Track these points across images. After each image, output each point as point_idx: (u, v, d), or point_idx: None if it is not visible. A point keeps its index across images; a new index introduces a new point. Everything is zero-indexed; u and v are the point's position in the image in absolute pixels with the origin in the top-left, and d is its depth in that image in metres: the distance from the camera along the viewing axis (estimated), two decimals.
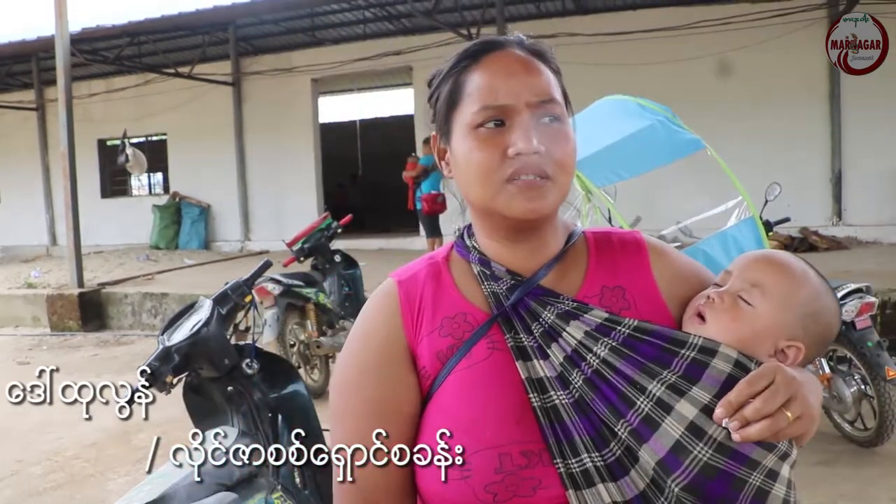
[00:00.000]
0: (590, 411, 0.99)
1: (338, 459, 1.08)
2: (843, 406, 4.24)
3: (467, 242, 1.16)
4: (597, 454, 0.97)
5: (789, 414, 0.94)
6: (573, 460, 0.97)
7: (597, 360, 1.02)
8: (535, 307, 1.07)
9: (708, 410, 0.96)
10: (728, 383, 0.97)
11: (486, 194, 1.05)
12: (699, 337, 1.03)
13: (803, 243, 10.30)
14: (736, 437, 0.93)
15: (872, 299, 4.18)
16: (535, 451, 0.98)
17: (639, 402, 0.98)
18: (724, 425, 0.94)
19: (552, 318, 1.06)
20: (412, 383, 1.08)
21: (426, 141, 11.24)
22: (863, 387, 4.19)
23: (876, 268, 7.87)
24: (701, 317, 1.08)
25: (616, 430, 0.97)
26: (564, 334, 1.04)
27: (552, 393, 1.01)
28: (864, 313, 4.11)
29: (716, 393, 0.97)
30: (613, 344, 1.03)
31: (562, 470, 0.96)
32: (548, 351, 1.04)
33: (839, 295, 4.15)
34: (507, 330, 1.06)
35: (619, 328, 1.04)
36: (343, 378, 1.13)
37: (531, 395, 1.01)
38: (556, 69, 1.15)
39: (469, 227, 1.18)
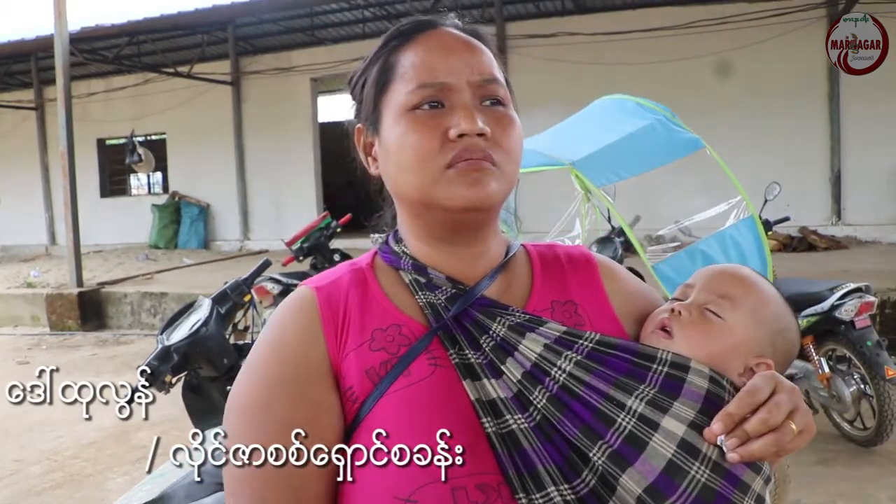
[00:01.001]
0: (555, 435, 0.85)
1: (241, 500, 0.88)
2: (843, 405, 4.24)
3: (395, 248, 1.02)
4: (566, 486, 0.83)
5: (794, 426, 0.85)
6: (538, 495, 0.82)
7: (563, 375, 0.88)
8: (483, 318, 0.93)
9: (696, 427, 0.85)
10: (709, 400, 0.87)
11: (424, 182, 0.91)
12: (667, 352, 0.93)
13: (802, 243, 10.30)
14: (733, 456, 0.83)
15: (872, 299, 4.19)
16: (493, 484, 0.82)
17: (619, 420, 0.85)
18: (719, 443, 0.83)
19: (503, 330, 0.92)
20: (334, 406, 0.90)
21: None
22: (862, 386, 4.20)
23: (875, 267, 7.88)
24: (665, 331, 0.99)
25: (590, 455, 0.83)
26: (521, 347, 0.91)
27: (508, 417, 0.86)
28: (864, 313, 4.11)
29: (699, 409, 0.86)
30: (578, 358, 0.90)
31: None
32: (501, 368, 0.90)
33: (838, 294, 4.16)
34: (451, 345, 0.91)
35: (580, 342, 0.92)
36: (248, 397, 0.91)
37: (484, 420, 0.86)
38: (498, 56, 1.01)
39: (395, 232, 1.04)
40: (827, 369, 4.25)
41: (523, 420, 0.86)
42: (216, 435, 2.26)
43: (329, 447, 0.86)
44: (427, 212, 0.95)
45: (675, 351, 0.94)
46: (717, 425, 0.84)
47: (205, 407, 2.47)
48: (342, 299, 0.96)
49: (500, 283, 1.00)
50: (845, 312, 4.10)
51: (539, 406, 0.87)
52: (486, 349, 0.91)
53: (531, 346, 0.91)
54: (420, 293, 0.97)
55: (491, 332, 0.93)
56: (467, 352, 0.91)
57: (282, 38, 14.70)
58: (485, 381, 0.89)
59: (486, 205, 0.92)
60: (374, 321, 0.94)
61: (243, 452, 0.87)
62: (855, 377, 4.23)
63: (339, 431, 0.89)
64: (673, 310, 1.01)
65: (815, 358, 4.26)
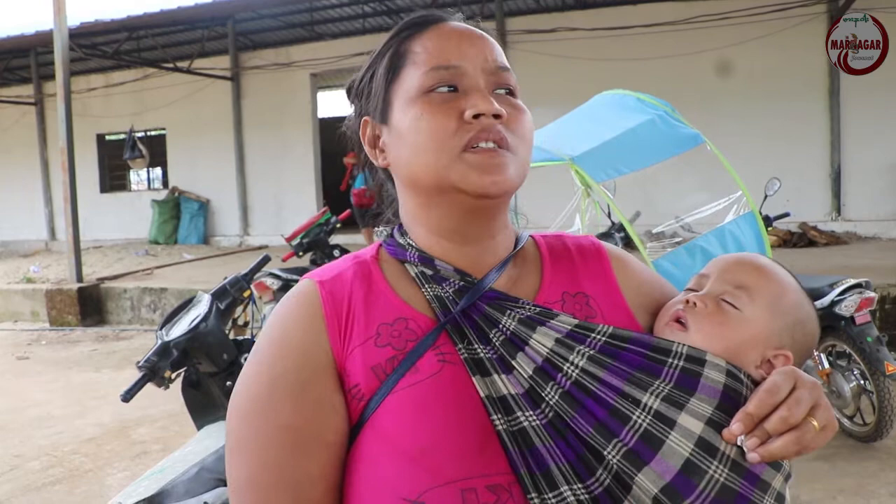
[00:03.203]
0: (568, 433, 0.82)
1: (242, 502, 0.86)
2: (843, 401, 4.25)
3: (401, 241, 0.99)
4: (580, 485, 0.80)
5: (815, 423, 0.81)
6: (550, 494, 0.79)
7: (575, 370, 0.85)
8: (492, 312, 0.91)
9: (713, 424, 0.82)
10: (726, 396, 0.84)
11: (440, 164, 0.89)
12: (683, 345, 0.90)
13: (802, 238, 10.30)
14: (753, 456, 0.79)
15: (872, 294, 4.18)
16: (504, 484, 0.80)
17: (634, 417, 0.82)
18: (739, 443, 0.80)
19: (514, 323, 0.90)
20: (338, 405, 0.87)
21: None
22: (862, 382, 4.20)
23: (875, 263, 7.87)
24: (679, 323, 0.96)
25: (605, 453, 0.80)
26: (532, 342, 0.88)
27: (519, 414, 0.83)
28: (864, 308, 4.11)
29: (716, 405, 0.83)
30: (591, 352, 0.87)
31: None
32: (512, 363, 0.87)
33: (838, 290, 4.16)
34: (459, 339, 0.89)
35: (593, 335, 0.89)
36: (250, 397, 0.89)
37: (494, 417, 0.83)
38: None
39: (400, 225, 1.02)
40: (827, 365, 4.25)
41: (535, 417, 0.83)
42: (215, 430, 2.25)
43: (332, 448, 0.85)
44: (440, 198, 0.93)
45: (690, 343, 0.91)
46: (736, 426, 0.80)
47: (204, 402, 2.47)
48: (346, 293, 0.93)
49: (509, 275, 0.98)
50: (845, 308, 4.10)
51: (551, 403, 0.84)
52: (496, 343, 0.89)
53: (542, 341, 0.88)
54: (427, 286, 0.94)
55: (501, 325, 0.90)
56: (476, 346, 0.88)
57: (281, 34, 14.68)
58: (495, 376, 0.86)
59: (502, 191, 0.89)
60: (379, 315, 0.91)
61: (245, 456, 0.86)
62: (855, 373, 4.23)
63: (343, 432, 0.87)
64: (688, 301, 0.98)
65: (815, 354, 4.26)
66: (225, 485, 1.93)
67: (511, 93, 0.95)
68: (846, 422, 4.37)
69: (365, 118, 1.00)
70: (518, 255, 1.01)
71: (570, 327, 0.90)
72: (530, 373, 0.86)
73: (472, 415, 0.84)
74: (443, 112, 0.89)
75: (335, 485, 0.85)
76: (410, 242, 0.98)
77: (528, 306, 0.92)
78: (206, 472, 1.92)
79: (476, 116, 0.88)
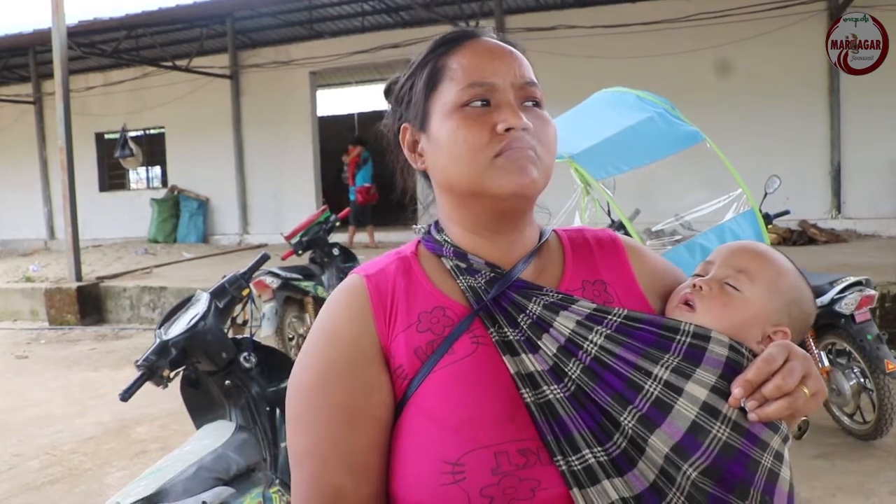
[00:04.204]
0: (588, 403, 0.94)
1: (299, 471, 0.98)
2: (842, 399, 4.25)
3: (437, 237, 1.10)
4: (599, 448, 0.91)
5: (807, 390, 0.93)
6: (574, 457, 0.90)
7: (594, 348, 0.97)
8: (519, 299, 1.02)
9: (717, 391, 0.93)
10: (728, 367, 0.96)
11: (474, 172, 1.00)
12: (690, 324, 1.01)
13: (802, 236, 10.30)
14: (753, 416, 0.92)
15: (872, 292, 4.18)
16: (533, 448, 0.91)
17: (647, 386, 0.94)
18: (743, 404, 0.92)
19: (539, 309, 1.01)
20: (385, 385, 0.99)
21: (358, 141, 12.97)
22: (862, 380, 4.19)
23: (875, 261, 7.87)
24: (688, 305, 1.07)
25: (620, 419, 0.92)
26: (556, 324, 1.00)
27: (545, 388, 0.95)
28: (864, 306, 4.11)
29: (720, 374, 0.95)
30: (608, 332, 0.99)
31: (563, 468, 0.89)
32: (538, 343, 0.98)
33: (838, 288, 4.15)
34: (491, 324, 1.00)
35: (609, 317, 1.01)
36: (305, 381, 1.02)
37: (523, 391, 0.94)
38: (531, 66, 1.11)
39: (436, 223, 1.13)
40: (827, 363, 4.25)
41: (559, 390, 0.95)
42: (214, 429, 2.25)
43: (380, 422, 0.97)
44: (474, 200, 1.03)
45: (697, 323, 1.01)
46: (737, 390, 0.92)
47: (203, 401, 2.47)
48: (390, 286, 1.05)
49: (534, 266, 1.09)
50: (845, 306, 4.10)
51: (573, 377, 0.95)
52: (524, 327, 1.00)
53: (565, 323, 1.00)
54: (461, 277, 1.06)
55: (528, 311, 1.01)
56: (506, 330, 1.00)
57: (280, 32, 14.68)
58: (523, 356, 0.97)
59: (530, 191, 1.00)
60: (419, 304, 1.03)
61: (303, 430, 0.99)
62: (855, 371, 4.23)
63: (389, 407, 0.98)
64: (695, 285, 1.08)
65: (815, 351, 4.25)
66: (224, 484, 1.93)
67: (538, 104, 1.05)
68: (846, 420, 4.37)
69: (405, 125, 1.11)
70: (542, 248, 1.12)
71: (589, 310, 1.01)
72: (554, 351, 0.98)
73: (504, 389, 0.95)
74: (477, 125, 1.00)
75: (384, 453, 0.97)
76: (447, 239, 1.09)
77: (551, 293, 1.03)
78: (204, 472, 1.92)
79: (507, 130, 0.98)
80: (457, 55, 1.05)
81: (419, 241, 1.14)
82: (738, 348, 0.99)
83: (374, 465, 0.96)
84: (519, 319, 1.01)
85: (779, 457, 0.94)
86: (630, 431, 0.91)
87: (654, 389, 0.93)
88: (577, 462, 0.90)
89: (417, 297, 1.04)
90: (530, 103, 1.04)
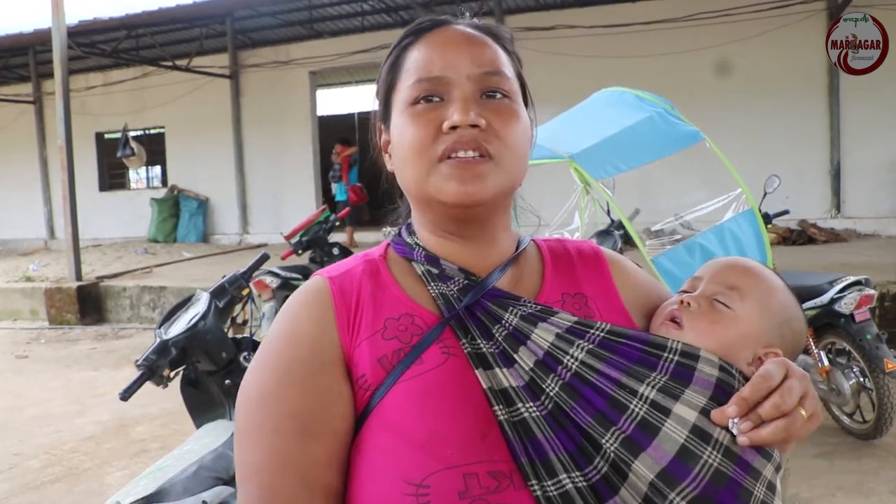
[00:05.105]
0: (567, 423, 0.86)
1: (248, 487, 0.87)
2: (842, 398, 4.24)
3: (408, 240, 1.04)
4: (578, 473, 0.83)
5: (804, 412, 0.86)
6: (549, 482, 0.82)
7: (575, 363, 0.89)
8: (495, 309, 0.95)
9: (707, 414, 0.86)
10: (719, 388, 0.89)
11: (418, 175, 0.93)
12: (677, 342, 0.94)
13: (802, 235, 10.30)
14: (743, 440, 0.84)
15: (871, 292, 4.18)
16: (505, 471, 0.83)
17: (632, 406, 0.86)
18: (730, 426, 0.85)
19: (516, 320, 0.94)
20: (345, 394, 0.90)
21: (345, 141, 13.04)
22: (861, 379, 4.20)
23: (874, 260, 7.87)
24: (675, 322, 1.01)
25: (602, 442, 0.84)
26: (534, 336, 0.92)
27: (520, 405, 0.87)
28: (863, 306, 4.11)
29: (710, 396, 0.88)
30: (590, 346, 0.91)
31: (538, 493, 0.81)
32: (514, 356, 0.91)
33: (838, 288, 4.16)
34: (463, 335, 0.92)
35: (592, 331, 0.93)
36: (259, 386, 0.92)
37: (496, 408, 0.86)
38: (514, 53, 1.03)
39: (409, 224, 1.07)
40: (826, 362, 4.25)
41: (535, 408, 0.87)
42: (214, 428, 2.25)
43: (338, 436, 0.88)
44: (427, 205, 0.97)
45: (684, 341, 0.95)
46: (731, 408, 0.85)
47: (203, 401, 2.47)
48: (355, 289, 0.97)
49: (511, 276, 1.02)
50: (845, 305, 4.10)
51: (552, 394, 0.88)
52: (499, 339, 0.92)
53: (544, 335, 0.92)
54: (432, 284, 0.98)
55: (503, 321, 0.94)
56: (479, 342, 0.92)
57: (280, 32, 14.67)
58: (497, 370, 0.90)
59: (477, 200, 0.92)
60: (386, 311, 0.95)
61: (254, 441, 0.88)
62: (854, 370, 4.23)
63: (349, 420, 0.90)
64: (682, 301, 1.03)
65: (815, 351, 4.26)
66: (224, 483, 1.93)
67: (504, 94, 0.96)
68: (846, 419, 4.37)
69: (379, 123, 1.05)
70: (521, 256, 1.05)
71: (570, 323, 0.94)
72: (531, 365, 0.90)
73: (475, 405, 0.87)
74: (423, 124, 0.93)
75: (341, 470, 0.88)
76: (418, 242, 1.02)
77: (529, 304, 0.96)
78: (204, 471, 1.91)
79: (452, 128, 0.91)
80: (414, 48, 0.98)
81: (388, 244, 1.07)
82: (728, 369, 0.92)
83: (331, 484, 0.87)
84: (494, 330, 0.93)
85: (771, 487, 0.87)
86: (612, 455, 0.83)
87: (640, 410, 0.86)
88: (552, 488, 0.82)
89: (384, 302, 0.96)
90: (497, 95, 0.95)
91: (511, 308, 0.95)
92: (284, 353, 0.93)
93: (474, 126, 0.91)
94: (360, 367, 0.91)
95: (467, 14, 1.05)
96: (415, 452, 0.83)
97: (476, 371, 0.89)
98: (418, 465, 0.83)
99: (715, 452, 0.83)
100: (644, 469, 0.82)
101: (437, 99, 0.94)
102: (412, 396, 0.87)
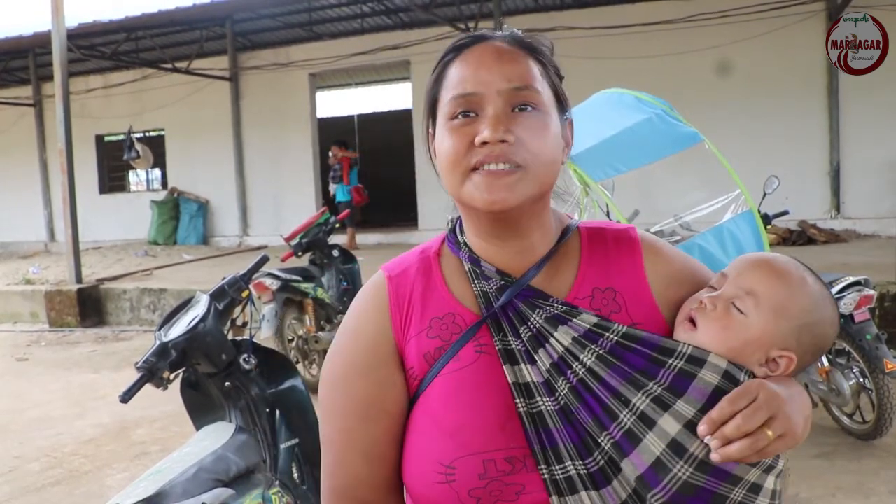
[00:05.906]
0: (574, 419, 0.99)
1: (325, 455, 1.12)
2: (842, 399, 4.24)
3: (458, 238, 1.15)
4: (580, 462, 0.97)
5: (770, 433, 0.92)
6: (557, 467, 0.97)
7: (582, 370, 1.01)
8: (524, 309, 1.06)
9: (691, 426, 0.94)
10: (714, 396, 0.96)
11: (454, 184, 1.04)
12: (688, 346, 1.01)
13: (802, 236, 10.30)
14: (715, 456, 0.92)
15: (871, 292, 4.18)
16: (520, 456, 0.98)
17: (622, 416, 0.97)
18: (706, 442, 0.93)
19: (540, 321, 1.05)
20: (399, 383, 1.08)
21: (338, 143, 13.07)
22: (861, 380, 4.19)
23: (874, 260, 7.86)
24: (692, 322, 1.05)
25: (599, 440, 0.97)
26: (552, 340, 1.03)
27: (538, 399, 1.00)
28: (863, 306, 4.10)
29: (700, 407, 0.95)
30: (600, 352, 1.01)
31: (546, 476, 0.97)
32: (535, 356, 1.03)
33: (837, 288, 4.15)
34: (496, 332, 1.06)
35: (607, 335, 1.03)
36: (332, 374, 1.13)
37: (518, 401, 1.01)
38: (549, 63, 1.12)
39: (461, 220, 1.16)
40: (826, 363, 4.25)
41: (550, 403, 1.00)
42: (214, 430, 2.25)
43: (393, 417, 1.08)
44: (465, 209, 1.09)
45: (697, 343, 1.02)
46: (702, 427, 0.93)
47: (203, 403, 2.47)
48: (408, 291, 1.12)
49: (547, 272, 1.11)
50: (844, 306, 4.09)
51: (562, 393, 1.00)
52: (524, 338, 1.04)
53: (561, 339, 1.03)
54: (476, 281, 1.11)
55: (529, 322, 1.05)
56: (510, 339, 1.05)
57: (280, 34, 14.69)
58: (522, 365, 1.03)
59: (505, 207, 1.01)
60: (432, 310, 1.10)
61: (329, 420, 1.12)
62: (854, 371, 4.22)
63: (402, 404, 1.08)
64: (701, 302, 1.06)
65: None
66: (223, 485, 1.93)
67: (534, 106, 1.03)
68: (845, 419, 4.37)
69: (431, 131, 1.13)
70: (559, 251, 1.13)
71: (588, 326, 1.04)
72: (548, 366, 1.02)
73: (499, 398, 1.02)
74: (458, 137, 1.02)
75: (397, 443, 1.08)
76: (465, 241, 1.14)
77: (556, 304, 1.07)
78: (204, 473, 1.92)
79: (484, 143, 1.00)
80: (454, 64, 1.07)
81: (444, 238, 1.19)
82: (733, 375, 0.99)
83: (388, 455, 1.07)
84: (521, 330, 1.05)
85: (755, 489, 0.96)
86: (607, 452, 0.97)
87: (628, 421, 0.97)
88: (559, 472, 0.97)
89: (432, 301, 1.11)
90: (527, 108, 1.03)
91: (538, 308, 1.06)
92: (350, 345, 1.12)
93: (503, 141, 0.99)
94: (410, 360, 1.08)
95: (509, 29, 1.12)
96: (445, 439, 1.00)
97: (504, 366, 1.03)
98: (448, 450, 1.00)
99: (686, 466, 0.93)
100: (629, 470, 0.95)
101: (473, 114, 1.02)
102: (447, 389, 1.03)
